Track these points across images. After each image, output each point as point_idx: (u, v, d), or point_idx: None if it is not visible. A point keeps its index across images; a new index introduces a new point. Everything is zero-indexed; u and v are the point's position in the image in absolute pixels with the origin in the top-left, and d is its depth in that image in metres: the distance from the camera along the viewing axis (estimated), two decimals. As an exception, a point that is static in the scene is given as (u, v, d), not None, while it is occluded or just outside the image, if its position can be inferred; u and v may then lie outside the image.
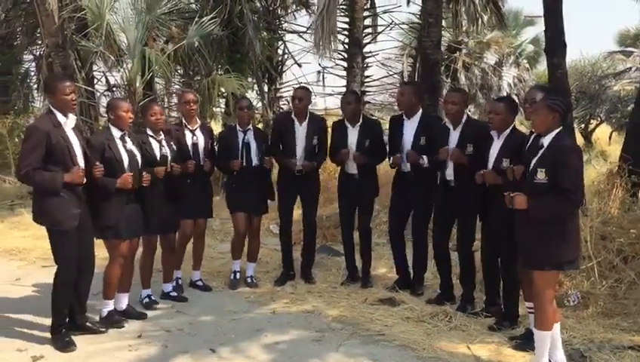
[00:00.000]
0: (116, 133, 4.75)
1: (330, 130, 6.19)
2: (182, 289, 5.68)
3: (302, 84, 9.86)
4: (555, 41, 7.97)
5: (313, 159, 5.86)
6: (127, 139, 4.80)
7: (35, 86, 12.99)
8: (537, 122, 3.86)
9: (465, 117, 5.23)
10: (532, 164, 3.84)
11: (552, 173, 3.69)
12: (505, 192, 3.98)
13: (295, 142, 5.85)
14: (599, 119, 20.60)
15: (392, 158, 5.66)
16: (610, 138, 20.89)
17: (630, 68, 18.67)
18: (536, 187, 3.76)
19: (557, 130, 3.80)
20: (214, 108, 10.96)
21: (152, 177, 4.90)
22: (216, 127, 11.16)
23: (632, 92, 16.98)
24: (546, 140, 3.81)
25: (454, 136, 5.19)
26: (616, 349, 4.28)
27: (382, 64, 14.89)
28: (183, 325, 4.88)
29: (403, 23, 14.51)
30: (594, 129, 21.14)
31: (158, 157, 5.08)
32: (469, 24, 13.54)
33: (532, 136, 4.22)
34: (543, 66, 20.58)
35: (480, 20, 13.11)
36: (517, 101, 5.59)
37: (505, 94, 18.98)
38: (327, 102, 13.57)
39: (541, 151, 3.81)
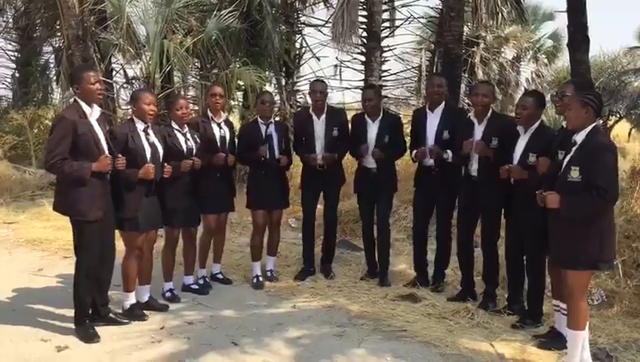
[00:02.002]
0: (139, 125, 4.76)
1: (350, 122, 6.16)
2: (209, 285, 5.67)
3: (318, 77, 9.83)
4: (577, 36, 7.90)
5: (335, 151, 5.83)
6: (150, 131, 4.81)
7: (55, 78, 13.05)
8: (571, 117, 3.80)
9: (490, 111, 5.19)
10: (565, 162, 3.78)
11: (586, 171, 3.63)
12: (536, 191, 3.93)
13: (314, 137, 5.83)
14: (618, 115, 20.35)
15: (415, 152, 5.61)
16: (629, 135, 20.65)
17: (651, 64, 18.41)
18: (569, 185, 3.70)
19: (591, 127, 3.73)
20: (232, 102, 10.96)
21: (175, 171, 4.91)
22: (234, 120, 11.17)
23: (653, 88, 16.76)
24: (579, 137, 3.75)
25: (479, 130, 5.13)
26: (642, 349, 4.24)
27: (399, 58, 14.83)
28: (204, 318, 4.90)
29: (421, 17, 14.42)
30: (613, 125, 20.89)
31: (184, 151, 5.09)
32: (488, 18, 13.43)
33: (561, 131, 4.17)
34: (561, 62, 20.41)
35: (500, 14, 12.99)
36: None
37: (523, 89, 18.86)
38: (344, 96, 13.50)
39: (574, 149, 3.75)
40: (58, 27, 11.80)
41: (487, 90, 5.20)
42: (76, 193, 4.28)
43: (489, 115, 5.15)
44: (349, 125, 6.07)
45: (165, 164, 4.85)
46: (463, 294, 5.39)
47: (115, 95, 10.76)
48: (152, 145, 4.78)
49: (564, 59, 19.79)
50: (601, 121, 20.09)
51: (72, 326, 4.50)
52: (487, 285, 5.29)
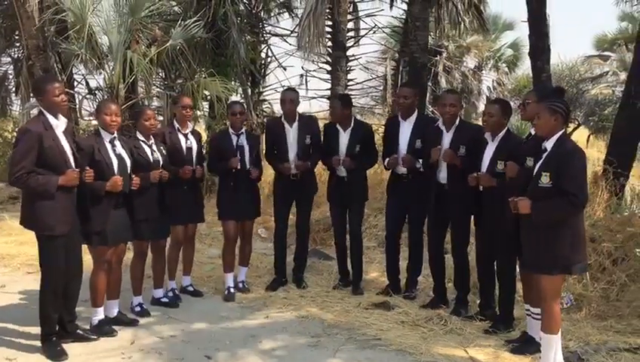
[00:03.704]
0: (105, 136, 4.67)
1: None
2: (179, 298, 5.57)
3: (285, 87, 9.81)
4: (539, 45, 8.07)
5: (308, 160, 5.81)
6: (117, 143, 4.72)
7: (14, 89, 12.71)
8: (540, 125, 3.87)
9: (458, 119, 5.25)
10: (536, 168, 3.84)
11: (556, 176, 3.69)
12: (507, 198, 3.98)
13: (287, 145, 5.80)
14: (577, 122, 20.84)
15: (387, 161, 5.63)
16: (587, 141, 21.14)
17: (607, 72, 18.92)
18: (540, 191, 3.76)
19: (559, 133, 3.81)
20: (198, 112, 10.85)
21: (143, 182, 4.82)
22: (201, 131, 11.04)
23: (610, 96, 17.22)
24: (549, 144, 3.82)
25: (447, 138, 5.20)
26: (612, 351, 4.32)
27: (364, 67, 14.95)
28: (176, 332, 4.81)
29: (385, 27, 14.57)
30: (572, 132, 21.36)
31: (151, 162, 5.01)
32: (451, 28, 13.65)
33: (530, 139, 4.25)
34: (521, 70, 20.83)
35: (462, 24, 13.23)
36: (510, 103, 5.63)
37: (485, 98, 19.21)
38: (311, 106, 13.52)
39: (544, 155, 3.81)
40: (17, 37, 11.51)
41: (454, 100, 5.26)
42: (42, 207, 4.15)
43: (457, 122, 5.21)
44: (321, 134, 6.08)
45: (133, 176, 4.76)
46: (436, 301, 5.42)
47: (78, 106, 10.53)
48: (119, 157, 4.68)
49: (523, 68, 20.25)
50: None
51: (39, 344, 4.35)
52: (458, 291, 5.34)
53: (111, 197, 4.57)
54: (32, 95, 9.10)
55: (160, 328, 4.89)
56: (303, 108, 13.19)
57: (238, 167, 5.57)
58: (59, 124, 4.29)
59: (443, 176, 5.20)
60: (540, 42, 8.04)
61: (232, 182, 5.64)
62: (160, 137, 5.35)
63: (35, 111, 4.50)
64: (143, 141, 5.08)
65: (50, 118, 4.25)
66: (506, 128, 4.80)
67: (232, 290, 5.73)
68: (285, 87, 6.84)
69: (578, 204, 3.72)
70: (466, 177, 4.84)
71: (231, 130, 5.71)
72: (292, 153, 5.79)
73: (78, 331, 4.58)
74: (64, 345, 4.35)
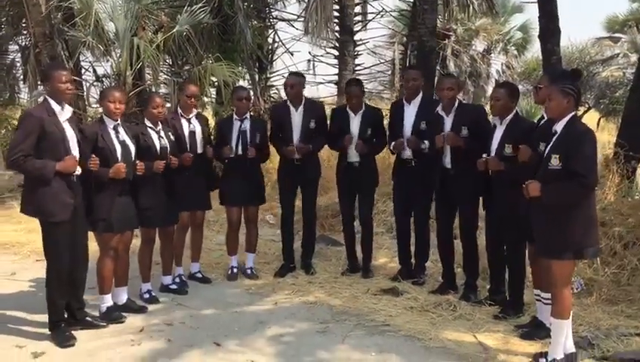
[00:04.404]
0: (109, 123, 4.65)
1: (329, 116, 6.12)
2: (186, 284, 5.58)
3: (294, 71, 9.75)
4: (549, 27, 7.95)
5: (310, 143, 5.77)
6: (120, 129, 4.70)
7: (22, 77, 12.71)
8: (552, 107, 3.81)
9: (457, 102, 5.22)
10: (546, 151, 3.79)
11: (566, 158, 3.65)
12: (505, 179, 3.94)
13: (292, 128, 5.77)
14: (587, 106, 20.66)
15: (393, 144, 5.59)
16: (598, 124, 20.96)
17: (618, 54, 18.68)
18: (550, 173, 3.71)
19: (570, 115, 3.75)
20: (205, 98, 10.82)
21: (149, 168, 4.81)
22: (208, 117, 11.02)
23: (620, 78, 17.01)
24: (559, 126, 3.77)
25: (448, 123, 5.18)
26: (623, 336, 4.27)
27: (372, 52, 14.84)
28: (184, 318, 4.81)
29: (393, 10, 14.44)
30: (582, 115, 21.19)
31: (158, 149, 4.99)
32: (459, 11, 13.52)
33: (542, 122, 4.19)
34: (530, 53, 20.59)
35: (471, 7, 13.09)
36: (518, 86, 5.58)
37: (494, 81, 19.03)
38: (319, 91, 13.47)
39: (555, 138, 3.76)
40: (24, 25, 11.48)
41: (451, 83, 5.24)
42: (42, 194, 4.15)
43: (456, 105, 5.19)
44: (328, 119, 6.04)
45: (137, 162, 4.75)
46: (445, 286, 5.40)
47: (85, 93, 10.52)
48: (123, 144, 4.67)
49: (533, 51, 20.01)
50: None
51: (48, 331, 4.37)
52: (467, 276, 5.31)
53: (115, 184, 4.57)
54: (39, 82, 9.13)
55: (169, 315, 4.89)
56: (311, 93, 13.25)
57: (232, 155, 5.57)
58: (63, 111, 4.28)
59: (447, 160, 5.17)
60: (550, 24, 7.93)
61: (234, 167, 5.63)
62: (164, 123, 5.32)
63: (41, 99, 4.49)
64: (150, 128, 5.06)
65: (54, 104, 4.24)
66: (515, 111, 4.75)
67: (234, 270, 5.82)
68: (290, 72, 6.79)
69: (588, 186, 3.67)
70: (470, 160, 4.81)
71: (235, 116, 5.68)
72: (296, 136, 5.76)
73: (87, 318, 4.60)
74: (73, 332, 4.37)
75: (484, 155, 4.72)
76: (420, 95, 5.59)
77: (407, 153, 5.54)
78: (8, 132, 12.12)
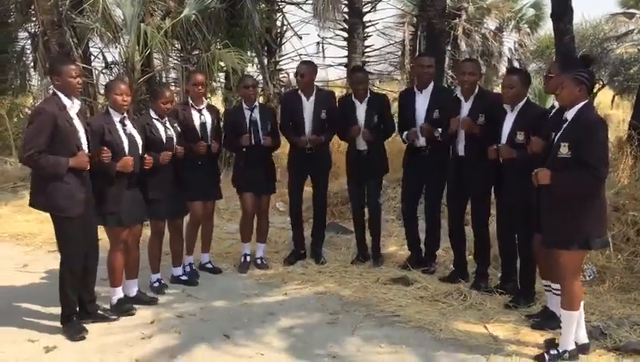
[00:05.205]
0: (115, 116, 4.62)
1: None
2: (197, 274, 5.60)
3: (304, 59, 9.66)
4: (561, 6, 7.79)
5: (322, 134, 5.73)
6: (127, 122, 4.67)
7: (32, 64, 12.71)
8: (564, 95, 3.74)
9: (477, 88, 5.12)
10: (556, 139, 3.73)
11: (576, 147, 3.58)
12: (517, 166, 3.87)
13: (303, 118, 5.73)
14: (601, 83, 20.36)
15: (406, 134, 5.53)
16: (612, 102, 20.67)
17: (633, 30, 18.33)
18: (559, 161, 3.66)
19: (582, 104, 3.68)
20: (214, 83, 10.77)
21: (156, 161, 4.80)
22: (217, 103, 10.99)
23: (635, 55, 16.72)
24: (569, 114, 3.70)
25: (466, 108, 5.09)
26: (636, 325, 4.22)
27: (382, 33, 14.69)
28: (195, 310, 4.83)
29: (402, -10, 14.26)
30: (596, 93, 20.88)
31: (163, 140, 4.97)
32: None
33: (553, 110, 4.13)
34: (543, 31, 20.28)
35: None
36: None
37: (506, 60, 18.80)
38: (328, 74, 13.36)
39: (565, 125, 3.70)
40: (33, 12, 11.45)
41: (473, 68, 5.15)
42: (54, 189, 4.15)
43: (476, 91, 5.09)
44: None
45: (145, 155, 4.73)
46: (455, 275, 5.37)
47: (95, 81, 10.52)
48: (130, 137, 4.64)
49: (546, 28, 19.71)
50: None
51: (60, 324, 4.40)
52: (478, 264, 5.27)
53: (123, 177, 4.56)
54: (46, 75, 9.11)
55: (179, 306, 4.91)
56: (320, 76, 13.16)
57: (251, 143, 5.53)
58: (73, 105, 4.26)
59: (461, 147, 5.10)
60: (563, 2, 7.76)
61: (246, 157, 5.60)
62: (174, 114, 5.29)
63: (50, 92, 4.47)
64: (156, 119, 5.03)
65: (65, 99, 4.23)
66: (526, 98, 4.67)
67: (247, 258, 5.82)
68: (301, 60, 6.70)
69: (599, 177, 3.61)
70: (484, 148, 4.74)
71: (244, 105, 5.64)
72: (308, 127, 5.72)
73: (99, 311, 4.63)
74: (85, 325, 4.39)
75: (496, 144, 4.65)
76: (432, 83, 5.52)
77: (421, 141, 5.48)
78: (20, 120, 12.16)
